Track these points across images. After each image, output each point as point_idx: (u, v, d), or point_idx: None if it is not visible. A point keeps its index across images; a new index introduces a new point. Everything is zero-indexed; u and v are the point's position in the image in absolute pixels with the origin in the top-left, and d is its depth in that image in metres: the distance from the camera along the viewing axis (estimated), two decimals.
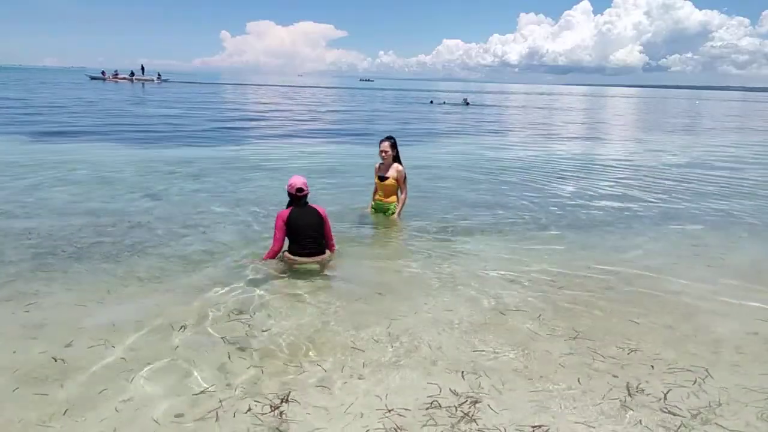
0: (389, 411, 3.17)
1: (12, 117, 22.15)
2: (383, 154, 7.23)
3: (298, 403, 3.25)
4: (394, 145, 7.27)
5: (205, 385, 3.40)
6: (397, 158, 7.28)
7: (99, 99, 36.33)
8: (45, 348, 3.78)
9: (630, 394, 3.41)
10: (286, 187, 5.52)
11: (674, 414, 3.22)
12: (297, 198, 5.43)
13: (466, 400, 3.30)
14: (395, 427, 3.04)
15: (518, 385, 3.50)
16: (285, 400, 3.27)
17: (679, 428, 3.10)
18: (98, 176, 10.15)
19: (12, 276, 5.09)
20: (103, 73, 71.91)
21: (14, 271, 5.20)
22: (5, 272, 5.18)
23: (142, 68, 75.62)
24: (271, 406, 3.20)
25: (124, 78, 68.27)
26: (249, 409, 3.18)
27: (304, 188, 5.42)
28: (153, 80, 69.73)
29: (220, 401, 3.24)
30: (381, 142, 7.28)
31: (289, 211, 5.44)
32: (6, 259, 5.55)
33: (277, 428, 3.02)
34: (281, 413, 3.14)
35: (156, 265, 5.52)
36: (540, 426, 3.09)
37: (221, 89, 63.07)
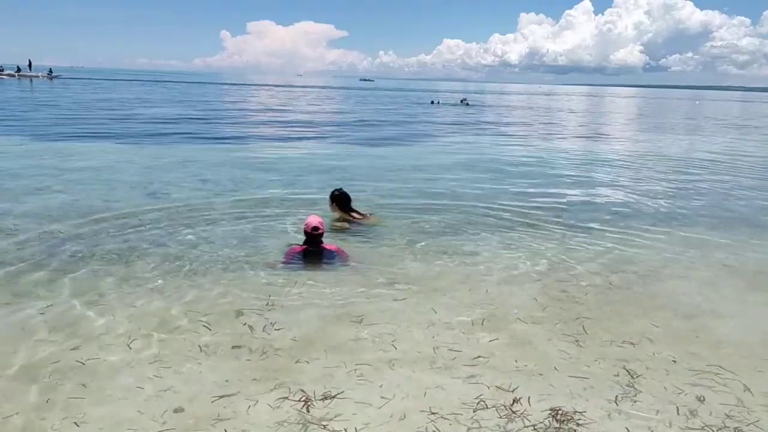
0: (432, 414, 3.14)
1: None
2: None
3: (339, 399, 3.24)
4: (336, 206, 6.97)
5: (234, 380, 3.40)
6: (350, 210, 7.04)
7: None
8: (57, 349, 3.74)
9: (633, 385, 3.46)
10: (303, 226, 5.57)
11: (680, 407, 3.24)
12: (312, 237, 5.47)
13: (513, 400, 3.28)
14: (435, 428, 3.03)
15: (530, 379, 3.51)
16: (326, 397, 3.26)
17: (695, 425, 3.09)
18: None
19: (14, 277, 5.01)
20: None
21: (19, 273, 5.12)
22: (9, 274, 5.09)
23: (30, 63, 68.78)
24: (303, 400, 3.21)
25: (8, 74, 63.29)
26: (282, 399, 3.19)
27: (320, 227, 5.46)
28: (39, 76, 64.94)
29: (255, 400, 3.23)
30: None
31: (303, 249, 5.50)
32: (9, 260, 5.46)
33: (312, 423, 3.01)
34: (308, 408, 3.14)
35: (161, 264, 5.46)
36: (559, 409, 3.14)
37: (118, 86, 57.81)
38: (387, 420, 3.06)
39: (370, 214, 7.25)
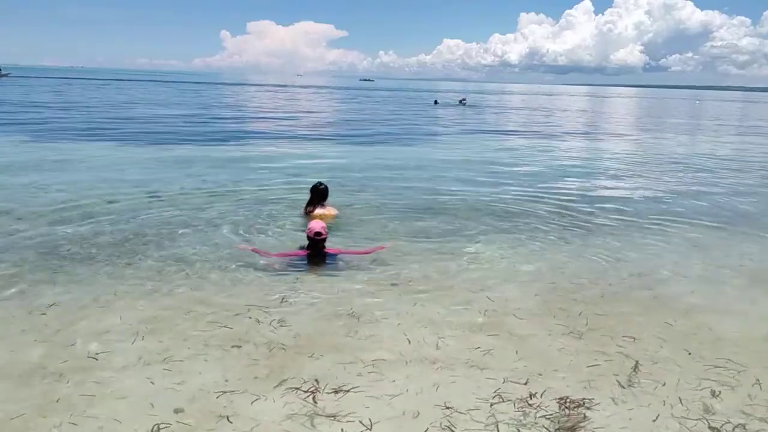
0: (447, 408, 3.16)
1: None
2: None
3: (350, 393, 3.27)
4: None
5: (239, 377, 3.44)
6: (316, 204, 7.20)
7: None
8: (59, 348, 3.74)
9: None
10: (305, 231, 5.62)
11: (684, 400, 3.29)
12: (315, 242, 5.48)
13: (530, 394, 3.31)
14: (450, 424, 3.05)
15: (535, 373, 3.55)
16: (335, 390, 3.29)
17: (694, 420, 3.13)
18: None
19: (16, 278, 4.99)
20: None
21: (21, 273, 5.10)
22: (11, 274, 5.08)
23: None
24: (310, 391, 3.24)
25: None
26: (290, 390, 3.24)
27: (323, 233, 5.47)
28: None
29: (261, 395, 3.25)
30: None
31: (306, 253, 5.54)
32: (11, 260, 5.44)
33: (320, 414, 3.05)
34: (315, 399, 3.17)
35: (163, 263, 5.46)
36: (567, 398, 3.20)
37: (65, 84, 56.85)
38: (400, 414, 3.07)
39: (325, 213, 7.13)
